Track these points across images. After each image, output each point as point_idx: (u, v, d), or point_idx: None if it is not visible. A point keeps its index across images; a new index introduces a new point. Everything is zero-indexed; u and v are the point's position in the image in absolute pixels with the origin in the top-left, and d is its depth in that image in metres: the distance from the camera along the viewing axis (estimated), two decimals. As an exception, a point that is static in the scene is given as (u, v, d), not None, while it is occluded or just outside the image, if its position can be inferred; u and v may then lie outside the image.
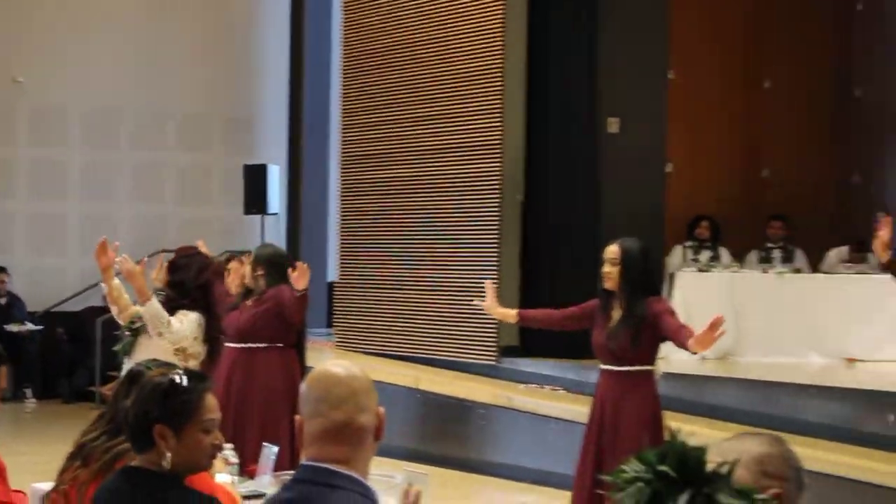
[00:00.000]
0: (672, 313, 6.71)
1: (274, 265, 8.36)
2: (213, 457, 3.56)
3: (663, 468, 2.36)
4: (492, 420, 10.53)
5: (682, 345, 6.47)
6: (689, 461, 2.36)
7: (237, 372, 8.27)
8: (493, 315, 7.35)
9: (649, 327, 6.61)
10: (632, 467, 2.41)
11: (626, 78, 11.94)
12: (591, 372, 7.23)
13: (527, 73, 11.83)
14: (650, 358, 6.74)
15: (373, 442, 2.99)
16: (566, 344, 9.81)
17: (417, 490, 3.32)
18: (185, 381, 3.50)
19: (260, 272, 8.35)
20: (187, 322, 7.15)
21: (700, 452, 2.38)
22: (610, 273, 6.65)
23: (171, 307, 7.17)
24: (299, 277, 8.00)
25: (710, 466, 2.37)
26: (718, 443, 2.62)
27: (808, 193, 14.17)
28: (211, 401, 3.54)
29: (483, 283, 7.83)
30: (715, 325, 6.22)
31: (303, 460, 3.01)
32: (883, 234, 6.40)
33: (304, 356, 8.44)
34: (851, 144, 14.82)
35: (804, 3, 14.40)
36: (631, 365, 6.67)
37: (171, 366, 3.85)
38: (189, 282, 7.30)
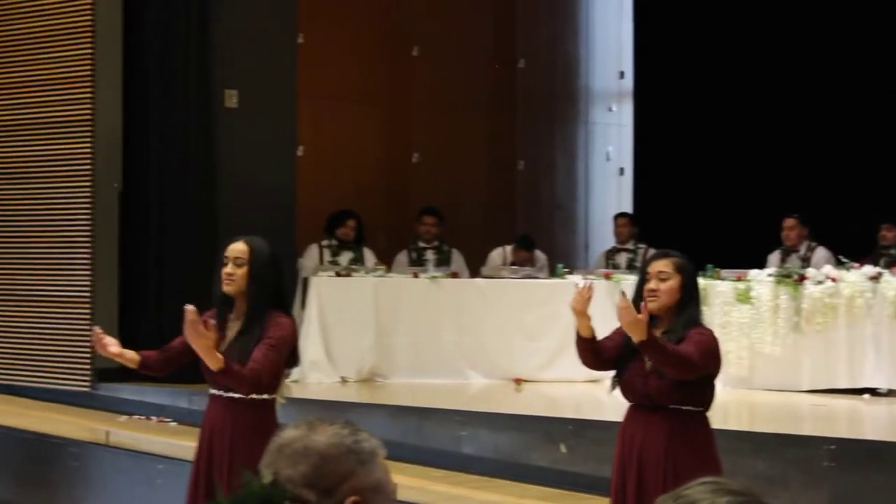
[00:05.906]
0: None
1: None
2: None
3: None
4: (87, 460, 9.97)
5: None
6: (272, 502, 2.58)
7: None
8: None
9: None
10: None
11: (245, 41, 11.81)
12: (205, 399, 6.71)
13: (123, 33, 11.53)
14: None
15: None
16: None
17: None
18: None
19: None
20: None
21: (280, 492, 2.50)
22: (233, 275, 6.16)
23: None
24: None
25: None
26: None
27: (465, 181, 14.45)
28: None
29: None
30: None
31: None
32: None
33: None
34: (515, 124, 15.32)
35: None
36: None
37: None
38: None
